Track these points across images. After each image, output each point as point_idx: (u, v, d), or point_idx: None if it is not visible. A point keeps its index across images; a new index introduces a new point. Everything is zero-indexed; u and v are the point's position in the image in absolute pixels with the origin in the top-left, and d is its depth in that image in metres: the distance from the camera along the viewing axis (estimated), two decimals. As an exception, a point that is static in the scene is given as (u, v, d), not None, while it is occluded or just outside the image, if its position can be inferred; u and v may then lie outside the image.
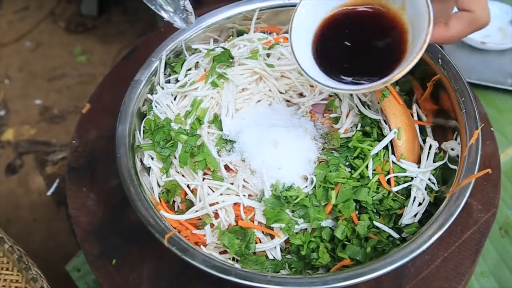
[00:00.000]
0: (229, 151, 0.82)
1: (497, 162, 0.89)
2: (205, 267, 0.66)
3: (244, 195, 0.77)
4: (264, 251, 0.75)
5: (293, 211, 0.76)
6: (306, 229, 0.76)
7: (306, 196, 0.76)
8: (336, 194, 0.76)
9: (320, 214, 0.76)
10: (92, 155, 0.96)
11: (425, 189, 0.78)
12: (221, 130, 0.84)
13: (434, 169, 0.80)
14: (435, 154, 0.82)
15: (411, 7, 0.65)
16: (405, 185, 0.78)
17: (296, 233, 0.75)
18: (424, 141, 0.84)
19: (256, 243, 0.74)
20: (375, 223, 0.75)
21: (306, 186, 0.78)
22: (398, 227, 0.77)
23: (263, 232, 0.76)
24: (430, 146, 0.82)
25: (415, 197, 0.77)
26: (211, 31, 0.95)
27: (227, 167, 0.81)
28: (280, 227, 0.74)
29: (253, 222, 0.76)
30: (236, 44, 0.94)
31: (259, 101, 0.90)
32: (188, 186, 0.79)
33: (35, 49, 2.11)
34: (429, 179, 0.79)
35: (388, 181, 0.79)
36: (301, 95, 0.92)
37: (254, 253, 0.75)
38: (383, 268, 0.65)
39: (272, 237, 0.76)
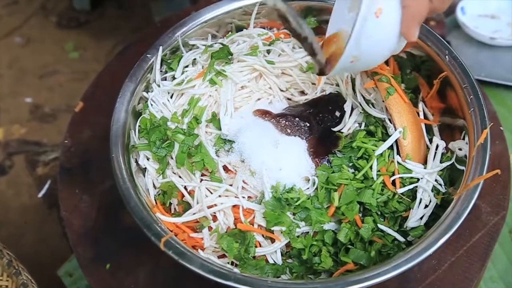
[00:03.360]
0: (228, 151, 0.83)
1: (506, 163, 0.90)
2: (203, 271, 0.66)
3: (243, 197, 0.77)
4: (264, 255, 0.76)
5: (294, 214, 0.76)
6: (308, 232, 0.76)
7: (308, 198, 0.77)
8: (339, 196, 0.76)
9: (322, 216, 0.76)
10: (85, 155, 0.96)
11: (432, 190, 0.78)
12: (220, 129, 0.84)
13: (441, 170, 0.80)
14: (442, 154, 0.82)
15: None
16: (411, 186, 0.78)
17: (298, 236, 0.76)
18: (430, 140, 0.84)
19: (256, 246, 0.75)
20: (380, 226, 0.76)
21: (308, 188, 0.78)
22: (403, 230, 0.77)
23: (263, 236, 0.76)
24: (437, 146, 0.83)
25: (421, 199, 0.77)
26: (209, 26, 0.95)
27: (225, 168, 0.81)
28: (281, 230, 0.74)
29: (253, 225, 0.76)
30: (235, 40, 0.95)
31: (259, 99, 0.90)
32: (185, 188, 0.80)
33: (26, 45, 2.11)
34: (435, 180, 0.79)
35: (393, 183, 0.79)
36: (302, 93, 0.92)
37: (254, 257, 0.75)
38: (388, 273, 0.66)
39: (273, 240, 0.76)
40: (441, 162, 0.81)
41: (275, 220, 0.74)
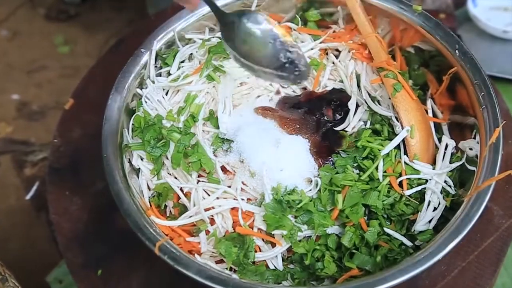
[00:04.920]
0: (226, 151, 0.83)
1: (520, 163, 0.90)
2: (200, 277, 0.67)
3: (242, 199, 0.78)
4: (265, 260, 0.76)
5: (296, 217, 0.76)
6: (310, 236, 0.77)
7: (310, 200, 0.77)
8: (343, 198, 0.76)
9: (326, 220, 0.76)
10: (75, 155, 0.96)
11: (441, 192, 0.79)
12: (218, 128, 0.84)
13: (450, 171, 0.81)
14: (452, 154, 0.83)
15: None
16: (419, 188, 0.79)
17: (299, 240, 0.76)
18: (439, 140, 0.85)
19: (256, 251, 0.75)
20: (386, 229, 0.76)
21: (310, 190, 0.79)
22: (411, 234, 0.77)
23: (263, 240, 0.77)
24: (446, 146, 0.83)
25: (429, 201, 0.78)
26: (206, 19, 0.95)
27: (224, 169, 0.81)
28: (282, 234, 0.75)
29: (252, 228, 0.76)
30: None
31: (259, 96, 0.91)
32: (181, 189, 0.80)
33: (12, 38, 2.11)
34: (445, 181, 0.80)
35: (400, 184, 0.79)
36: (304, 89, 0.92)
37: (254, 262, 0.75)
38: (395, 278, 0.66)
39: (273, 245, 0.76)
40: (450, 162, 0.82)
41: (275, 224, 0.74)
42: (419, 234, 0.76)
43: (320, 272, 0.75)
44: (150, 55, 0.89)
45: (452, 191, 0.79)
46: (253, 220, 0.77)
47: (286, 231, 0.75)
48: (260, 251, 0.76)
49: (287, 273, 0.76)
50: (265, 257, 0.75)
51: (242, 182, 0.79)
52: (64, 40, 2.09)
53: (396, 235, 0.76)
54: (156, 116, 0.84)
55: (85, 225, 0.88)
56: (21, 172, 1.72)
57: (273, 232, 0.75)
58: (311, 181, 0.79)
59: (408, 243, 0.76)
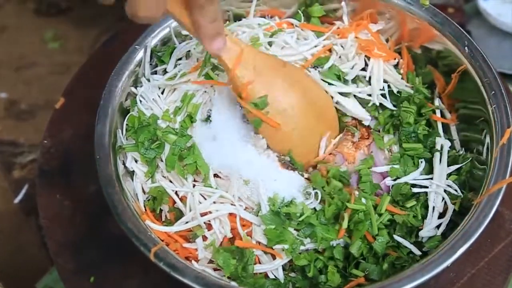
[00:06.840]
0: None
1: (532, 165, 0.90)
2: (197, 285, 0.67)
3: (240, 205, 0.77)
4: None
5: (297, 230, 0.76)
6: (314, 248, 0.77)
7: (313, 213, 0.77)
8: (348, 218, 0.76)
9: (330, 233, 0.76)
10: (66, 156, 0.96)
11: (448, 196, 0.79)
12: (216, 128, 0.84)
13: (458, 173, 0.81)
14: (459, 155, 0.83)
15: None
16: (421, 190, 0.79)
17: (300, 253, 0.76)
18: (433, 142, 0.84)
19: (255, 263, 0.75)
20: (395, 237, 0.76)
21: (312, 202, 0.78)
22: (419, 241, 0.77)
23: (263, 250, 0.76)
24: (442, 147, 0.83)
25: (434, 207, 0.78)
26: (204, 14, 0.95)
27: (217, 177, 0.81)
28: (283, 248, 0.74)
29: (251, 237, 0.76)
30: (233, 30, 0.95)
31: (259, 95, 0.91)
32: (176, 193, 0.80)
33: (0, 34, 2.11)
34: (449, 185, 0.80)
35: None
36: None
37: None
38: (402, 286, 0.66)
39: (273, 256, 0.76)
40: (457, 163, 0.82)
41: (276, 239, 0.74)
42: (427, 241, 0.76)
43: (324, 286, 0.74)
44: (145, 52, 0.89)
45: (456, 193, 0.79)
46: (252, 229, 0.76)
47: (287, 246, 0.74)
48: (260, 262, 0.76)
49: (288, 282, 0.76)
50: (265, 270, 0.75)
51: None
52: (55, 36, 2.09)
53: (406, 243, 0.76)
54: (151, 116, 0.84)
55: (77, 230, 0.88)
56: (9, 175, 1.72)
57: (273, 247, 0.75)
58: (306, 191, 0.79)
59: (417, 252, 0.76)
